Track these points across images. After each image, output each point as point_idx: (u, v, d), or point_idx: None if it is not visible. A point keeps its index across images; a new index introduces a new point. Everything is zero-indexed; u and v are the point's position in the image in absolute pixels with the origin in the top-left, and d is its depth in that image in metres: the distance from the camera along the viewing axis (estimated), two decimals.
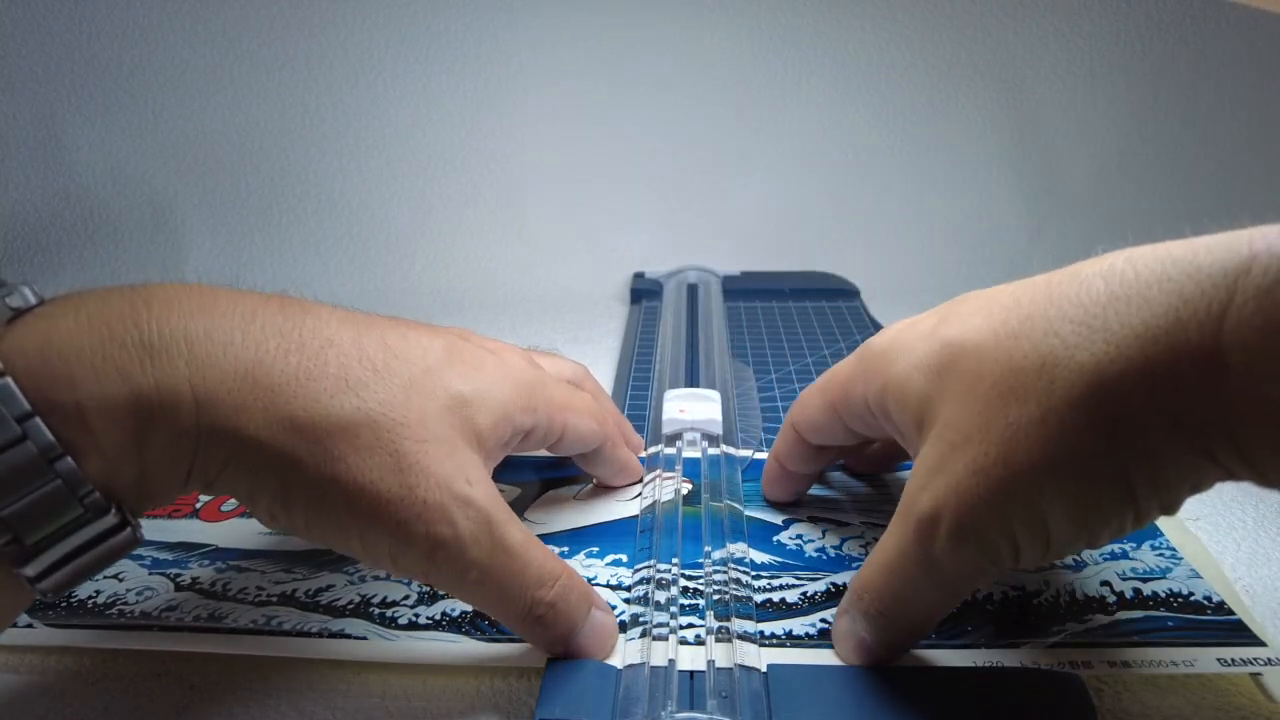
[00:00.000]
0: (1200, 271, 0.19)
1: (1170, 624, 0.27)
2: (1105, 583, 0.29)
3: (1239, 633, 0.26)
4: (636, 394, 0.45)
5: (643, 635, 0.26)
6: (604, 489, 0.36)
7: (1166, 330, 0.19)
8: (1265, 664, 0.25)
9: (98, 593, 0.30)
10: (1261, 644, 0.26)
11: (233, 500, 0.36)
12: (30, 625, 0.28)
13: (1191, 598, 0.28)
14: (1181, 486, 0.21)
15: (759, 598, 0.29)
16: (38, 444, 0.19)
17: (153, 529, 0.34)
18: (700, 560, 0.30)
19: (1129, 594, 0.28)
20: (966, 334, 0.23)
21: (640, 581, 0.29)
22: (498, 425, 0.27)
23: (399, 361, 0.25)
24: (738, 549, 0.31)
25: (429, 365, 0.26)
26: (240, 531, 0.34)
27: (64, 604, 0.29)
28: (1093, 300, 0.21)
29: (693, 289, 0.60)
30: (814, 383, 0.31)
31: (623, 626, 0.27)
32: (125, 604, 0.29)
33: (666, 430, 0.38)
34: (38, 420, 0.20)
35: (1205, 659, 0.25)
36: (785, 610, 0.28)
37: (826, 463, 0.34)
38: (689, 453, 0.37)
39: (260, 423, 0.22)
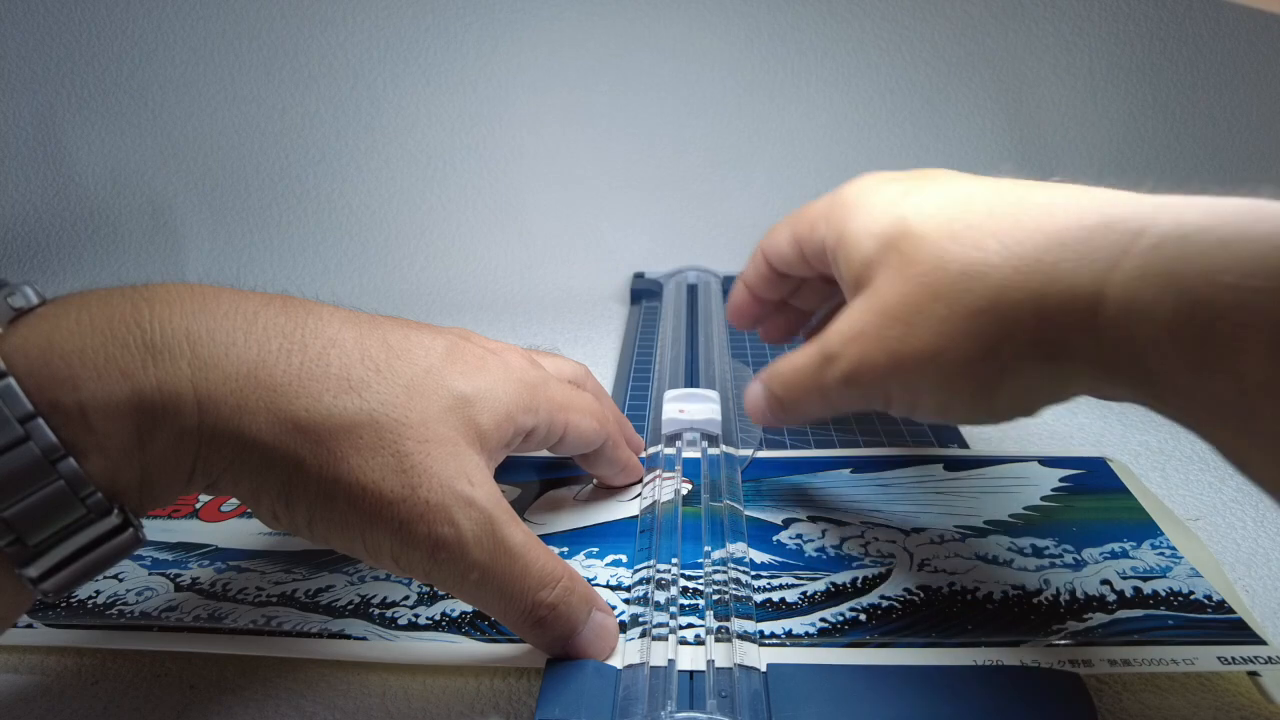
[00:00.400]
0: (1110, 227, 0.22)
1: (1170, 622, 0.27)
2: (1105, 581, 0.29)
3: (1239, 631, 0.26)
4: (636, 394, 0.45)
5: (642, 635, 0.26)
6: (604, 489, 0.36)
7: (1067, 273, 0.22)
8: (1265, 662, 0.25)
9: (97, 593, 0.30)
10: (1262, 642, 0.26)
11: (233, 500, 0.36)
12: (30, 626, 0.28)
13: (1192, 596, 0.28)
14: (1040, 401, 0.25)
15: (759, 597, 0.29)
16: (40, 445, 0.19)
17: (153, 529, 0.34)
18: (700, 560, 0.30)
19: (1129, 592, 0.28)
20: (918, 217, 0.26)
21: (640, 582, 0.29)
22: (500, 425, 0.27)
23: (401, 362, 0.25)
24: (737, 549, 0.31)
25: (431, 365, 0.26)
26: (240, 532, 0.34)
27: (64, 604, 0.29)
28: (1023, 229, 0.23)
29: (693, 289, 0.60)
30: (788, 215, 0.34)
31: (622, 627, 0.27)
32: (125, 604, 0.29)
33: (666, 430, 0.38)
34: (40, 421, 0.20)
35: (1205, 657, 0.25)
36: (785, 610, 0.28)
37: (786, 294, 0.35)
38: (689, 453, 0.37)
39: (263, 423, 0.22)
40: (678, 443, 0.37)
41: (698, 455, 0.36)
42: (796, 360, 0.29)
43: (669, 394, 0.39)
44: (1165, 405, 0.22)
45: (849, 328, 0.27)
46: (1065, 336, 0.22)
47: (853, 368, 0.27)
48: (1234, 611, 0.27)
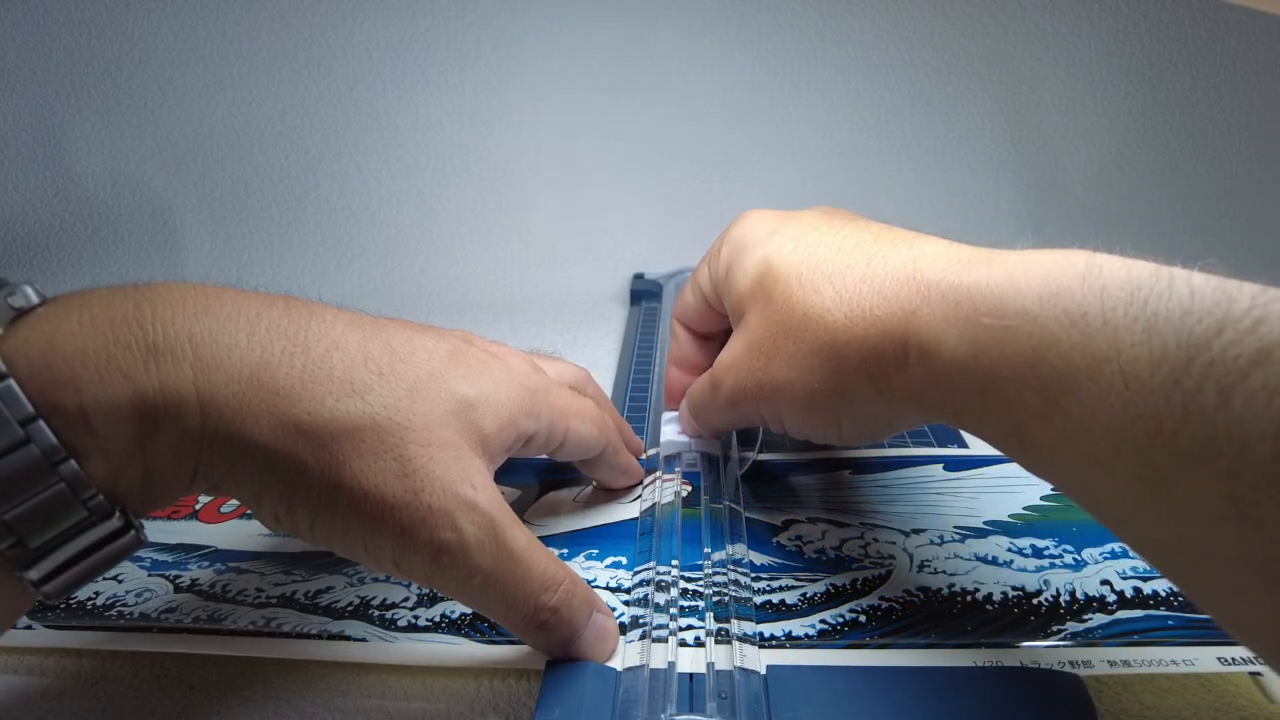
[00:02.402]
0: (914, 279, 0.24)
1: (1170, 623, 0.27)
2: (1105, 582, 0.29)
3: None
4: (636, 395, 0.45)
5: (642, 637, 0.26)
6: (603, 491, 0.36)
7: (886, 320, 0.25)
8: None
9: (97, 594, 0.30)
10: None
11: (233, 501, 0.36)
12: (30, 626, 0.28)
13: None
14: (880, 429, 0.28)
15: (758, 599, 0.29)
16: (41, 447, 0.19)
17: (153, 530, 0.34)
18: (700, 562, 0.30)
19: (1129, 593, 0.28)
20: (777, 258, 0.29)
21: (640, 584, 0.29)
22: (502, 430, 0.27)
23: (404, 365, 0.25)
24: (737, 550, 0.31)
25: (434, 369, 0.25)
26: (240, 533, 0.34)
27: (63, 605, 0.29)
28: (854, 278, 0.26)
29: None
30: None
31: (622, 629, 0.27)
32: (125, 605, 0.29)
33: (665, 452, 0.37)
34: (41, 423, 0.19)
35: (1205, 658, 0.25)
36: (785, 611, 0.28)
37: (712, 356, 0.35)
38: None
39: (265, 426, 0.22)
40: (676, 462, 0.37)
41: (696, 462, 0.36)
42: (699, 384, 0.34)
43: (666, 416, 0.39)
44: (977, 434, 0.24)
45: (728, 358, 0.31)
46: (886, 373, 0.25)
47: (731, 393, 0.30)
48: None
